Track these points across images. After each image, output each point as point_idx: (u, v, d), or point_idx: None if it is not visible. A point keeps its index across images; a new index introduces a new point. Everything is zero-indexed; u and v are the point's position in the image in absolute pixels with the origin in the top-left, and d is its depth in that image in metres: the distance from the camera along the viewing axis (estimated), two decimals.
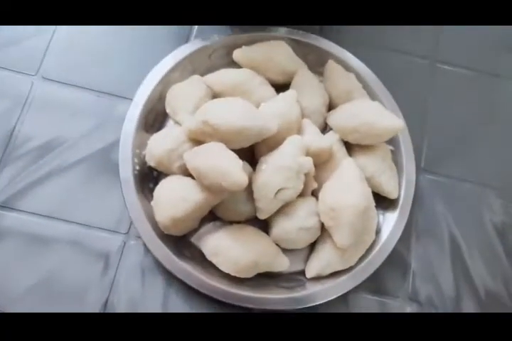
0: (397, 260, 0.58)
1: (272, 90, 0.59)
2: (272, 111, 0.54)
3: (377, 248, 0.56)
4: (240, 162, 0.49)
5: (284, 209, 0.53)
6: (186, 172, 0.52)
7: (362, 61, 0.64)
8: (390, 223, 0.57)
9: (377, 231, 0.57)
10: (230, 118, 0.50)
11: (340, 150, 0.57)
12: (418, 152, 0.63)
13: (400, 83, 0.65)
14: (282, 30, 0.63)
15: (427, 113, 0.66)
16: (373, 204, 0.56)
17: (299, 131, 0.56)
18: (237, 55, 0.60)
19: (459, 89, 0.68)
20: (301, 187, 0.53)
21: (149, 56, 0.61)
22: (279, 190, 0.51)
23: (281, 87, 0.60)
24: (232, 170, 0.48)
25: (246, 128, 0.50)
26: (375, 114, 0.56)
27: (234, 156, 0.50)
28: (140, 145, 0.56)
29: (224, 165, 0.49)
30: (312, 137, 0.55)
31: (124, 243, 0.55)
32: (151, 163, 0.54)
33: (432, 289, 0.58)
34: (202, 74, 0.60)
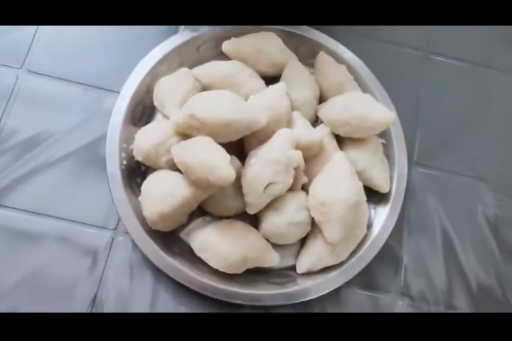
0: (388, 254, 0.58)
1: (262, 82, 0.58)
2: (261, 104, 0.53)
3: (368, 242, 0.55)
4: (228, 156, 0.48)
5: (273, 203, 0.52)
6: (174, 167, 0.51)
7: (354, 52, 0.63)
8: (382, 217, 0.57)
9: (369, 226, 0.56)
10: (217, 111, 0.49)
11: (331, 144, 0.56)
12: (410, 145, 0.62)
13: (392, 75, 0.64)
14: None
15: (420, 105, 0.65)
16: (364, 198, 0.55)
17: (289, 124, 0.55)
18: (226, 46, 0.59)
19: (452, 80, 0.67)
20: (291, 181, 0.52)
21: (137, 48, 0.60)
22: (268, 185, 0.51)
23: (271, 79, 0.60)
24: (220, 164, 0.47)
25: (234, 121, 0.49)
26: (366, 106, 0.55)
27: (221, 150, 0.49)
28: (127, 139, 0.55)
29: (211, 160, 0.48)
30: (302, 130, 0.54)
31: (112, 239, 0.54)
32: (139, 157, 0.53)
33: (424, 283, 0.58)
34: (190, 67, 0.59)
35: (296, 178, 0.53)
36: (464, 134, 0.65)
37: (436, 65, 0.67)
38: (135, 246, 0.53)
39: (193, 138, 0.51)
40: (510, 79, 0.68)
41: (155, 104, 0.57)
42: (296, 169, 0.52)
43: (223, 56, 0.60)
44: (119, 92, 0.57)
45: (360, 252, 0.55)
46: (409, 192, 0.60)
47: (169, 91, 0.56)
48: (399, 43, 0.68)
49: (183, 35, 0.60)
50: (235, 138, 0.51)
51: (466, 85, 0.67)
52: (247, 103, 0.53)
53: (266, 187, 0.51)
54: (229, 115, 0.49)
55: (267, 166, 0.50)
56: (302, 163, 0.52)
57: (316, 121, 0.60)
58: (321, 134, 0.55)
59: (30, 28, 0.60)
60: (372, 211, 0.58)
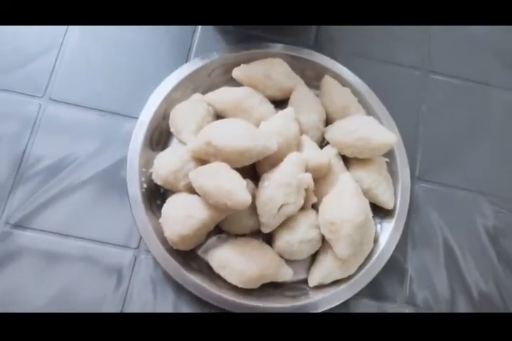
0: (394, 267, 0.61)
1: (271, 107, 0.61)
2: (272, 130, 0.56)
3: (375, 256, 0.59)
4: (244, 181, 0.52)
5: (286, 222, 0.56)
6: (192, 190, 0.55)
7: (355, 73, 0.66)
8: (387, 232, 0.60)
9: (375, 240, 0.60)
10: (233, 139, 0.53)
11: (338, 164, 0.60)
12: (412, 161, 0.65)
13: (393, 93, 0.68)
14: (278, 46, 0.65)
15: (421, 122, 0.69)
16: (371, 215, 0.59)
17: (298, 147, 0.58)
18: (237, 73, 0.62)
19: (451, 98, 0.70)
20: (302, 202, 0.55)
21: (150, 76, 0.64)
22: (281, 206, 0.54)
23: (279, 103, 0.63)
24: (236, 189, 0.51)
25: (248, 149, 0.53)
26: (370, 129, 0.58)
27: (237, 176, 0.52)
28: (146, 163, 0.59)
29: (228, 185, 0.51)
30: (311, 153, 0.57)
31: (135, 257, 0.58)
32: (158, 181, 0.57)
33: (428, 293, 0.62)
34: (203, 92, 0.63)
35: (306, 198, 0.56)
36: (463, 150, 0.68)
37: (435, 83, 0.71)
38: (157, 263, 0.57)
39: (209, 164, 0.54)
40: (508, 96, 0.71)
41: (171, 129, 0.60)
42: (306, 190, 0.56)
43: (233, 81, 0.63)
44: (135, 118, 0.61)
45: (368, 265, 0.58)
46: (412, 207, 0.64)
47: (185, 117, 0.59)
48: (398, 63, 0.71)
49: (194, 62, 0.63)
50: (248, 163, 0.55)
51: (464, 102, 0.70)
52: (259, 130, 0.56)
53: (279, 209, 0.54)
54: (244, 143, 0.53)
55: (279, 189, 0.54)
56: (312, 184, 0.56)
57: (322, 141, 0.63)
58: (329, 156, 0.58)
59: (49, 58, 0.64)
60: (378, 226, 0.61)
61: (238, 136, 0.53)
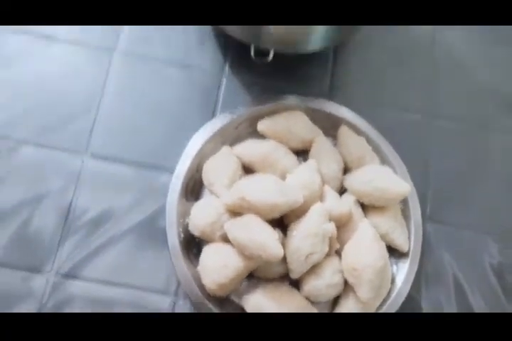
0: (410, 304, 0.66)
1: (295, 159, 0.67)
2: (298, 183, 0.62)
3: (392, 295, 0.64)
4: (276, 234, 0.58)
5: (312, 268, 0.61)
6: (226, 240, 0.60)
7: (368, 119, 0.71)
8: (403, 272, 0.65)
9: (392, 280, 0.65)
10: (264, 195, 0.58)
11: (357, 212, 0.65)
12: (423, 202, 0.71)
13: (402, 138, 0.73)
14: (296, 99, 0.71)
15: (429, 165, 0.74)
16: (388, 257, 0.64)
17: (321, 197, 0.64)
18: (262, 127, 0.68)
19: (456, 141, 0.76)
20: (327, 249, 0.61)
21: (181, 130, 0.69)
22: (308, 254, 0.60)
23: (301, 153, 0.69)
24: (270, 242, 0.56)
25: (278, 204, 0.58)
26: (386, 180, 0.64)
27: (270, 229, 0.58)
28: (183, 214, 0.64)
29: (261, 238, 0.57)
30: (333, 202, 0.63)
31: (174, 303, 0.63)
32: (195, 232, 0.62)
33: None
34: (230, 144, 0.68)
35: (330, 245, 0.62)
36: (469, 191, 0.73)
37: (439, 127, 0.76)
38: (194, 308, 0.62)
39: (243, 217, 0.59)
40: (508, 138, 0.77)
41: (204, 182, 0.66)
42: (330, 238, 0.61)
43: (257, 132, 0.69)
44: (169, 170, 0.66)
45: (386, 304, 0.64)
46: (424, 246, 0.69)
47: (216, 171, 0.65)
48: (404, 108, 0.77)
49: (223, 117, 0.69)
50: (278, 215, 0.60)
51: (467, 145, 0.76)
52: (287, 184, 0.62)
53: (306, 257, 0.60)
54: (274, 198, 0.58)
55: (306, 239, 0.59)
56: (335, 232, 0.61)
57: (341, 188, 0.68)
58: (349, 205, 0.64)
59: (90, 117, 0.69)
60: (394, 266, 0.67)
61: (269, 191, 0.59)
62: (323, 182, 0.66)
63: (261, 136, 0.69)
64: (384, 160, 0.70)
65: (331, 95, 0.75)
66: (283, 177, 0.64)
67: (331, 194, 0.64)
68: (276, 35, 0.66)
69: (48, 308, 0.61)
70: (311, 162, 0.65)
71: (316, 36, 0.69)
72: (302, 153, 0.69)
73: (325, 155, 0.67)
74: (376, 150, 0.70)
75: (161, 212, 0.65)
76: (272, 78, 0.75)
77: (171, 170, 0.66)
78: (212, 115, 0.72)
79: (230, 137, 0.69)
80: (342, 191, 0.68)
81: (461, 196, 0.73)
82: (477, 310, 0.68)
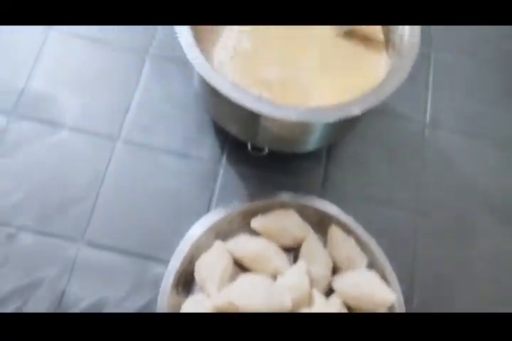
0: None
1: (285, 258, 0.69)
2: (287, 286, 0.64)
3: None
4: None
5: None
6: None
7: (357, 216, 0.73)
8: None
9: None
10: (252, 301, 0.61)
11: None
12: (409, 304, 0.72)
13: (390, 233, 0.76)
14: (288, 196, 0.73)
15: (416, 260, 0.77)
16: None
17: (310, 300, 0.66)
18: (256, 224, 0.70)
19: (445, 242, 0.79)
20: None
21: (177, 221, 0.72)
22: None
23: (290, 249, 0.72)
24: None
25: (266, 309, 0.60)
26: (372, 286, 0.66)
27: None
28: (175, 306, 0.65)
29: None
30: (320, 307, 0.65)
31: None
32: None
33: None
34: (222, 237, 0.71)
35: None
36: (455, 288, 0.76)
37: (427, 227, 0.79)
38: None
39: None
40: (492, 241, 0.80)
41: (196, 278, 0.68)
42: None
43: (249, 227, 0.71)
44: (163, 262, 0.68)
45: None
46: None
47: (209, 269, 0.66)
48: (394, 204, 0.80)
49: (217, 212, 0.71)
50: None
51: (454, 241, 0.79)
52: (276, 286, 0.64)
53: None
54: (262, 304, 0.60)
55: None
56: None
57: (329, 287, 0.70)
58: (336, 308, 0.66)
59: (89, 203, 0.72)
60: None
61: (257, 297, 0.61)
62: (312, 281, 0.68)
63: (253, 231, 0.71)
64: (373, 260, 0.72)
65: (323, 187, 0.79)
66: (273, 275, 0.67)
67: (318, 296, 0.66)
68: (272, 136, 0.70)
69: None
70: (301, 264, 0.67)
71: (313, 137, 0.72)
72: (292, 250, 0.72)
73: (315, 255, 0.69)
74: (365, 249, 0.72)
75: (153, 303, 0.66)
76: (268, 170, 0.78)
77: (165, 262, 0.68)
78: (208, 206, 0.74)
79: (222, 231, 0.72)
80: (330, 291, 0.70)
81: (448, 293, 0.75)
82: None
